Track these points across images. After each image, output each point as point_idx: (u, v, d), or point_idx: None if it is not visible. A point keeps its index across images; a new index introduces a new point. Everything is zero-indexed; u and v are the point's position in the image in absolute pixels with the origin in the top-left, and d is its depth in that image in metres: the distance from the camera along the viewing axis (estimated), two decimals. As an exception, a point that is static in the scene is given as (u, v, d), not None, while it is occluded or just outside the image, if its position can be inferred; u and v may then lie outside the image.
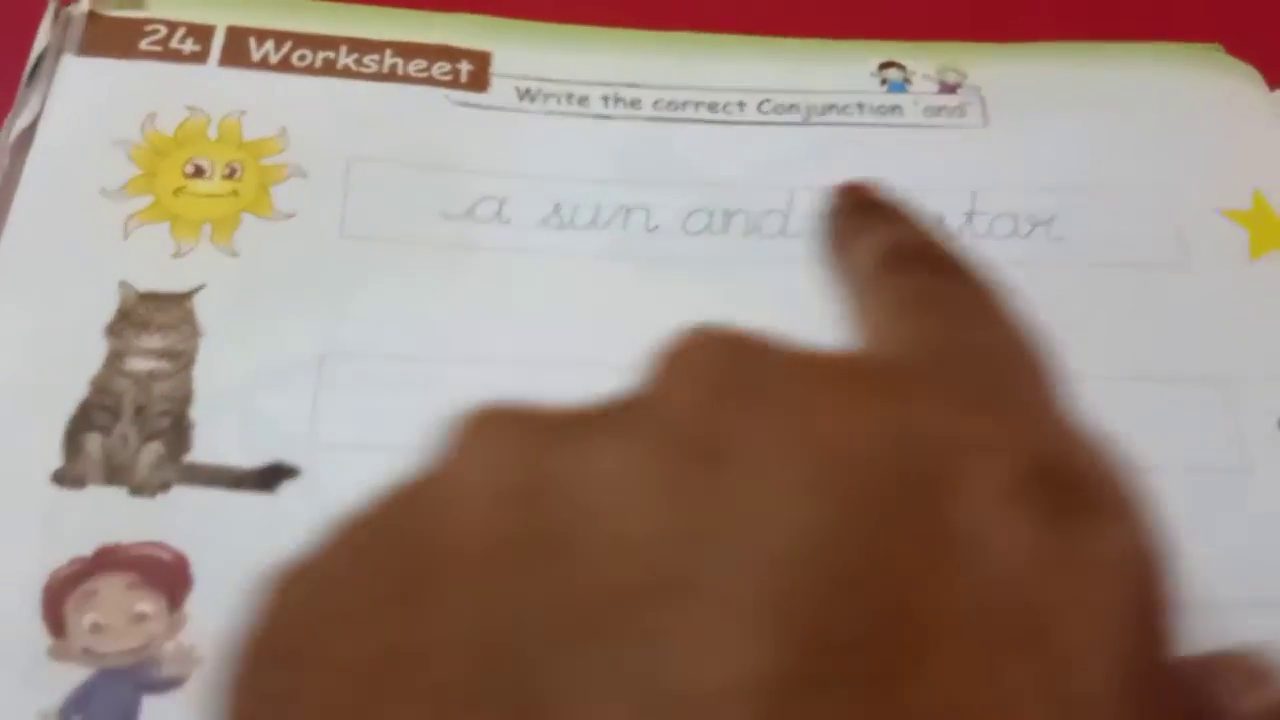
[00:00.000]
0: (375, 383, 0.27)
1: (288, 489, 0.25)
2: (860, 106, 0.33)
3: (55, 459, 0.25)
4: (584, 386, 0.27)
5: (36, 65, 0.30)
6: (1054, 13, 0.36)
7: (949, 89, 0.34)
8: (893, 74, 0.34)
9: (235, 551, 0.24)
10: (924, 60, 0.35)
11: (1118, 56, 0.35)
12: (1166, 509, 0.14)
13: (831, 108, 0.33)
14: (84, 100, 0.30)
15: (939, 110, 0.34)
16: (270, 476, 0.25)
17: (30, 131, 0.29)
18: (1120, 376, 0.29)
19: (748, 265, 0.30)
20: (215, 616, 0.24)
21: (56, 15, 0.31)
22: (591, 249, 0.30)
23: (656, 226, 0.30)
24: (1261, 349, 0.29)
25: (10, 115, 0.29)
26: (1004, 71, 0.34)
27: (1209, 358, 0.29)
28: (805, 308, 0.29)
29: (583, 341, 0.28)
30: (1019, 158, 0.33)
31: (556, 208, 0.30)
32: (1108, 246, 0.31)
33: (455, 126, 0.31)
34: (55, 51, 0.31)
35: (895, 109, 0.34)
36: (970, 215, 0.32)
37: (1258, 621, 0.25)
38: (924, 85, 0.34)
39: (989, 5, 0.36)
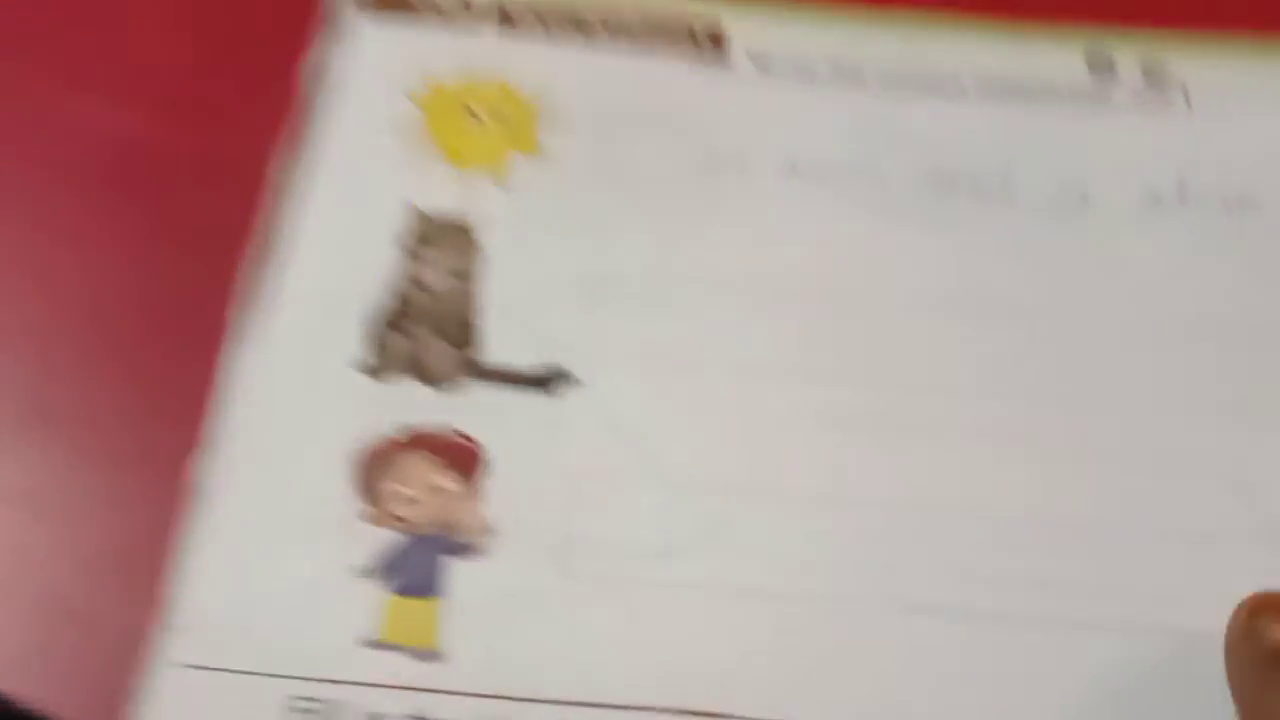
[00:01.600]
0: (633, 302, 0.30)
1: (565, 392, 0.28)
2: (1071, 91, 0.35)
3: (362, 353, 0.28)
4: (826, 315, 0.30)
5: (332, 19, 0.34)
6: (1257, 7, 0.38)
7: (1154, 79, 0.36)
8: (1100, 63, 0.36)
9: (522, 440, 0.27)
10: (1129, 52, 0.36)
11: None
12: None
13: (1045, 90, 0.35)
14: (375, 54, 0.33)
15: (1145, 99, 0.35)
16: (549, 379, 0.28)
17: (327, 77, 0.33)
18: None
19: (971, 225, 0.32)
20: (508, 494, 0.26)
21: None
22: (824, 197, 0.32)
23: (885, 182, 0.32)
24: None
25: (309, 61, 0.33)
26: (1207, 65, 0.36)
27: None
28: (1022, 264, 0.31)
29: (812, 277, 0.31)
30: (1224, 142, 0.35)
31: (792, 162, 0.33)
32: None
33: (698, 92, 0.34)
34: (348, 9, 0.34)
35: (1103, 94, 0.35)
36: (1181, 190, 0.33)
37: None
38: (1130, 75, 0.36)
39: None
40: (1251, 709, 0.23)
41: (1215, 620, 0.25)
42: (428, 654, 0.24)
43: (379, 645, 0.24)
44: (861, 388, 0.29)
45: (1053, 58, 0.36)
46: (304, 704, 0.24)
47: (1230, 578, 0.27)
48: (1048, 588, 0.26)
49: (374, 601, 0.25)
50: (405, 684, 0.24)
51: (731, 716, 0.25)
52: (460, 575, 0.25)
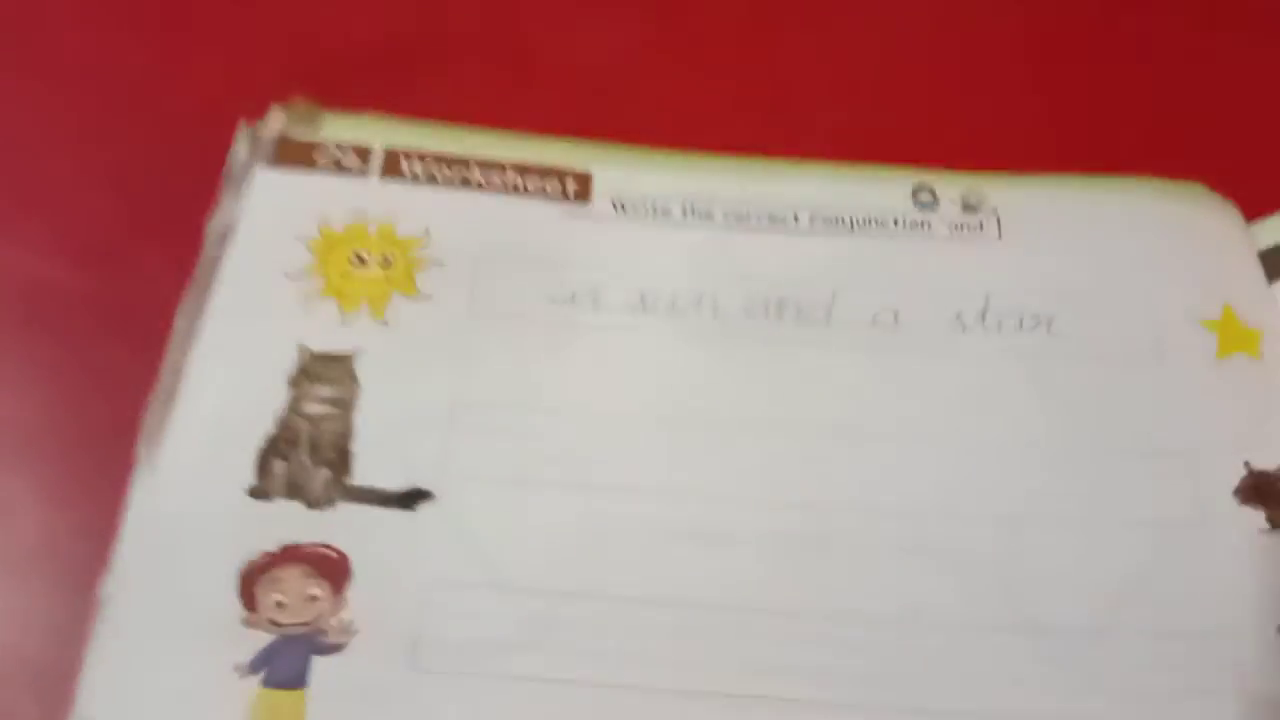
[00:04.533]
0: (494, 428, 0.34)
1: (424, 508, 0.32)
2: (896, 221, 0.40)
3: (250, 478, 0.32)
4: (663, 437, 0.34)
5: (232, 175, 0.38)
6: (1061, 149, 0.43)
7: (971, 209, 0.41)
8: (924, 196, 0.41)
9: (385, 552, 0.32)
10: (950, 186, 0.41)
11: (1115, 188, 0.41)
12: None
13: (872, 221, 0.40)
14: (272, 203, 0.38)
15: (961, 227, 0.40)
16: (411, 498, 0.32)
17: (229, 228, 0.37)
18: (1106, 449, 0.35)
19: (794, 346, 0.37)
20: (369, 600, 0.31)
21: (249, 137, 0.39)
22: (669, 329, 0.37)
23: (723, 312, 0.37)
24: (1222, 430, 0.35)
25: (214, 215, 0.37)
26: (1017, 197, 0.41)
27: (1177, 436, 0.35)
28: (837, 381, 0.36)
29: (661, 401, 0.35)
30: (1027, 267, 0.39)
31: (642, 296, 0.37)
32: (1098, 343, 0.38)
33: (563, 231, 0.39)
34: (247, 164, 0.39)
35: (925, 224, 0.40)
36: (984, 313, 0.38)
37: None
38: (949, 206, 0.41)
39: (1007, 141, 0.43)
40: None
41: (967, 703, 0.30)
42: (294, 740, 0.29)
43: (253, 731, 0.29)
44: (693, 502, 0.33)
45: (882, 193, 0.41)
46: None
47: (987, 667, 0.31)
48: (822, 676, 0.31)
49: (250, 694, 0.29)
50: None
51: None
52: (324, 670, 0.29)
